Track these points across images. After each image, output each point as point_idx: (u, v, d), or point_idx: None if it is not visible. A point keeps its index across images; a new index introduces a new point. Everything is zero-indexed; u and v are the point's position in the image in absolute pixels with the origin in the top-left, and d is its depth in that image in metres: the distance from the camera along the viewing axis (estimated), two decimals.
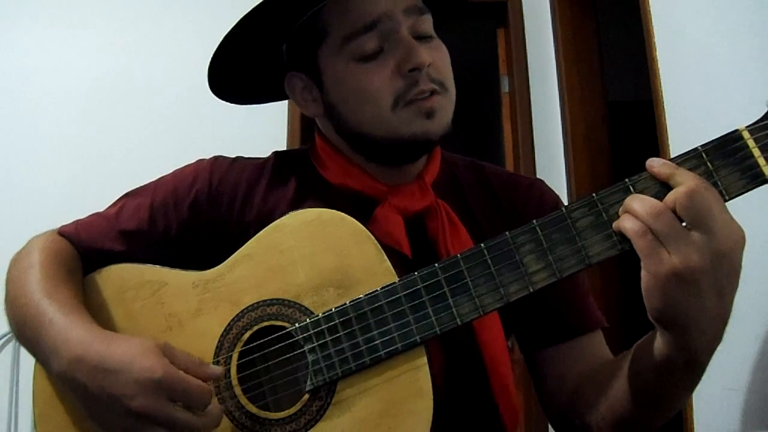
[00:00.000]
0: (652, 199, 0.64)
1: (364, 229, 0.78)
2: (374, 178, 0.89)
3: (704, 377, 0.68)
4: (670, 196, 0.63)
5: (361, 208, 0.83)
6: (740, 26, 1.23)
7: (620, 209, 0.67)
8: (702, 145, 0.67)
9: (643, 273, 0.63)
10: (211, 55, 0.87)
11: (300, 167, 0.93)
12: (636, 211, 0.64)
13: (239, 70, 0.93)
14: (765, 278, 1.04)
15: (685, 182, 0.63)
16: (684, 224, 0.62)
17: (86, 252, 0.89)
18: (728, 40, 1.27)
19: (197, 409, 0.69)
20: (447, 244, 0.84)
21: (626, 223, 0.64)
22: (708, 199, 0.62)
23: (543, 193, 0.96)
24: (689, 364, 0.66)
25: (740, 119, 0.69)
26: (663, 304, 0.63)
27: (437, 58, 0.84)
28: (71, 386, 0.72)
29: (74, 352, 0.71)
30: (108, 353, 0.70)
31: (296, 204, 0.88)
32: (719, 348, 0.66)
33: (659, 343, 0.67)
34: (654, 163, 0.66)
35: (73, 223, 0.92)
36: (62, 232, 0.90)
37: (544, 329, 0.90)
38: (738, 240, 0.62)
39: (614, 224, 0.67)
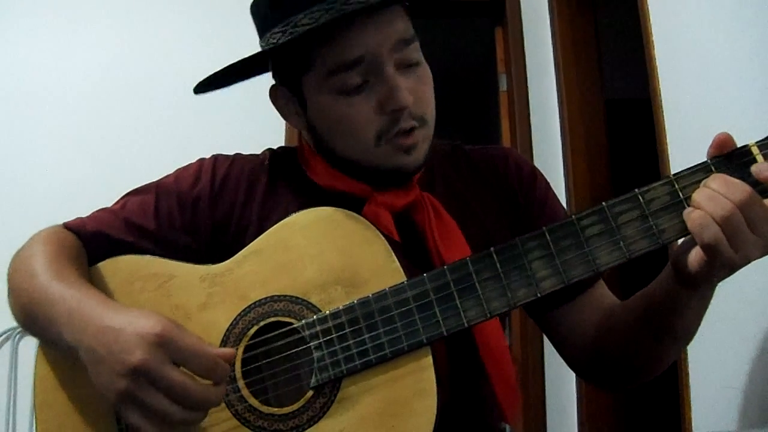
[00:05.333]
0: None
1: (375, 228, 0.78)
2: (359, 180, 0.89)
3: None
4: None
5: (348, 208, 0.83)
6: (739, 25, 1.23)
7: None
8: (712, 159, 0.69)
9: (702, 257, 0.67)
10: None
11: (290, 169, 0.94)
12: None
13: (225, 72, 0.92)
14: (765, 278, 1.05)
15: None
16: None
17: (92, 241, 0.88)
18: (726, 39, 1.27)
19: (198, 372, 0.68)
20: (435, 236, 0.85)
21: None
22: None
23: (518, 161, 0.99)
24: (703, 298, 0.74)
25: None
26: (699, 277, 0.69)
27: (420, 91, 0.84)
28: (81, 353, 0.71)
29: (86, 317, 0.71)
30: (116, 315, 0.70)
31: (291, 206, 0.88)
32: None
33: (672, 284, 0.73)
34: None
35: (77, 218, 0.92)
36: (67, 225, 0.90)
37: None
38: None
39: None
